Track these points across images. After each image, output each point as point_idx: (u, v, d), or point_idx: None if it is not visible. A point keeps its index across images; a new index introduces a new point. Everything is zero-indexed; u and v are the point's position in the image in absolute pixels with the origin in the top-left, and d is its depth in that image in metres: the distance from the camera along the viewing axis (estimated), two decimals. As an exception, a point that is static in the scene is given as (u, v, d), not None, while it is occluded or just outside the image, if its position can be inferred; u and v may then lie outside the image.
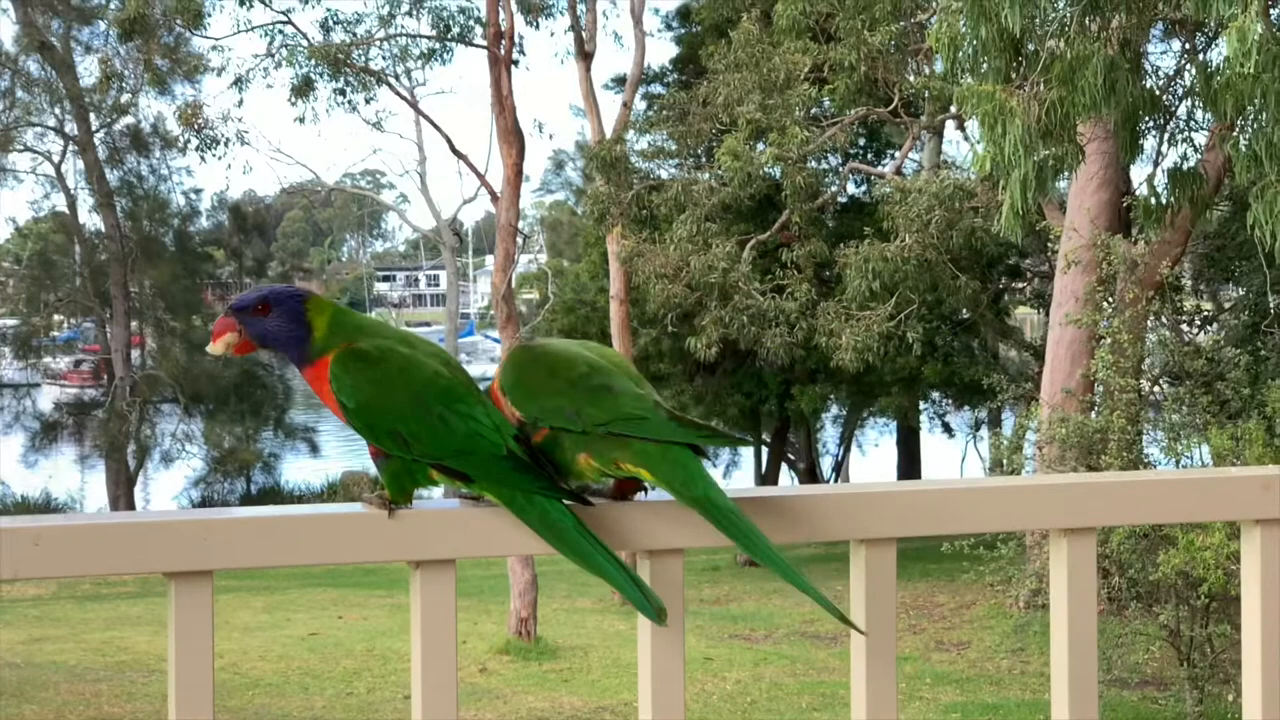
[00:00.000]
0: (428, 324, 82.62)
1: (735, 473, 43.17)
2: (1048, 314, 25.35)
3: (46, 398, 45.15)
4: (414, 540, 2.17)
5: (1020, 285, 33.52)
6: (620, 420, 2.20)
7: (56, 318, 45.30)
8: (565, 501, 2.20)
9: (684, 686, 2.27)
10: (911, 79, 25.00)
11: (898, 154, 29.64)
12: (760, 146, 25.02)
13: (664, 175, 28.50)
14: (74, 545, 2.06)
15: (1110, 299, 19.01)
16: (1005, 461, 19.80)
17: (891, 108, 25.29)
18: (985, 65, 15.04)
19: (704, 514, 2.20)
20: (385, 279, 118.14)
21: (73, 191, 42.96)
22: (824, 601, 2.21)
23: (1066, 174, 16.57)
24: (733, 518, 2.19)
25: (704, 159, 28.49)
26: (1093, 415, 18.69)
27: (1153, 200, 19.29)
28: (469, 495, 2.24)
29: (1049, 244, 24.09)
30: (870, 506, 2.30)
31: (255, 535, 2.14)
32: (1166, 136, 21.01)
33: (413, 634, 2.18)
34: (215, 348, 2.23)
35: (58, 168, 42.74)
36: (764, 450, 37.05)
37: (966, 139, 27.78)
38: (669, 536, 2.24)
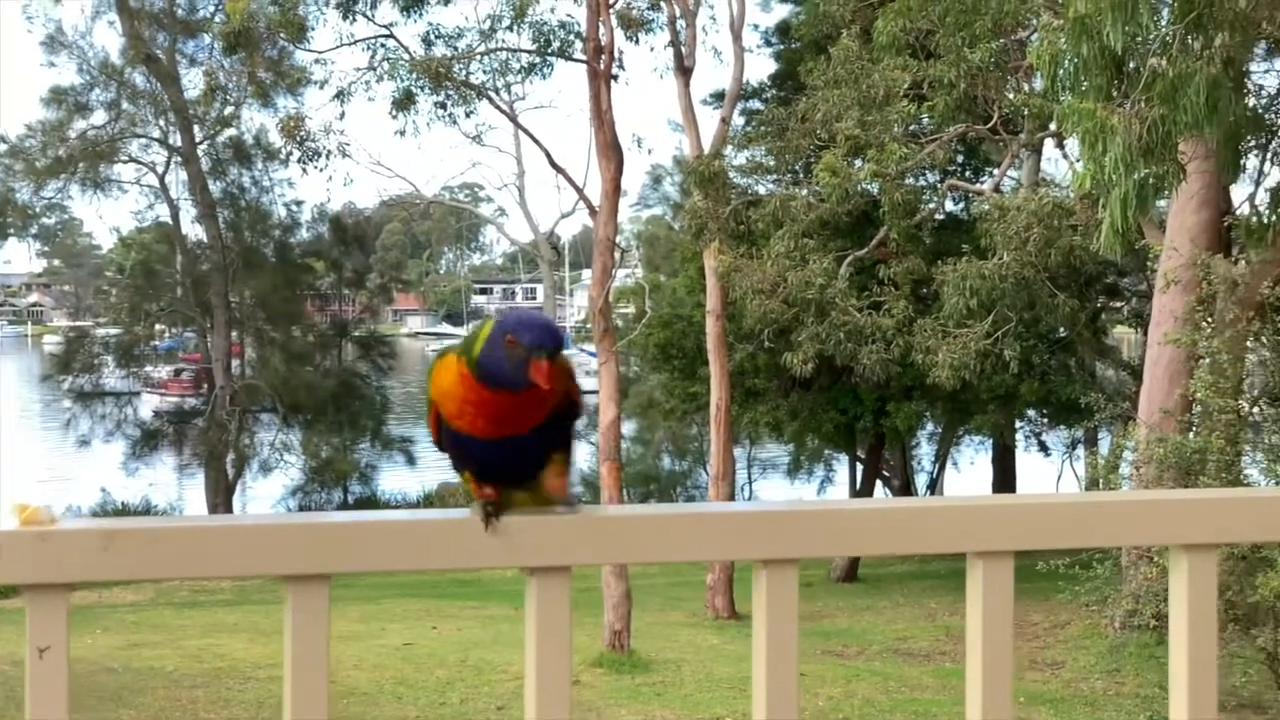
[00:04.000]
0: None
1: (830, 489, 43.10)
2: (1146, 333, 25.15)
3: (147, 406, 45.64)
4: (528, 547, 2.20)
5: (1118, 304, 33.28)
6: None
7: (158, 327, 45.77)
8: None
9: (798, 703, 2.28)
10: (1011, 96, 24.88)
11: (996, 171, 29.47)
12: (858, 163, 24.98)
13: (762, 191, 28.51)
14: (207, 544, 2.11)
15: (1210, 319, 18.83)
16: (1102, 481, 19.66)
17: (990, 125, 25.18)
18: (1086, 83, 14.98)
19: None
20: (483, 291, 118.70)
21: (176, 202, 43.45)
22: None
23: (1167, 193, 16.49)
24: None
25: (802, 175, 28.47)
26: (1191, 436, 18.53)
27: (1254, 220, 19.20)
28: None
29: (1148, 263, 23.90)
30: (986, 519, 2.30)
31: (371, 540, 2.18)
32: (1269, 156, 20.89)
33: (527, 641, 2.21)
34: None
35: (161, 179, 43.29)
36: (859, 467, 36.93)
37: (1066, 157, 27.69)
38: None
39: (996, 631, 2.27)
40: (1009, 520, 2.30)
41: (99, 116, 42.56)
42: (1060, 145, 27.27)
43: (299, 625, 2.14)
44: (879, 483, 36.07)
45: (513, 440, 2.26)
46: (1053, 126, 23.58)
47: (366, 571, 2.22)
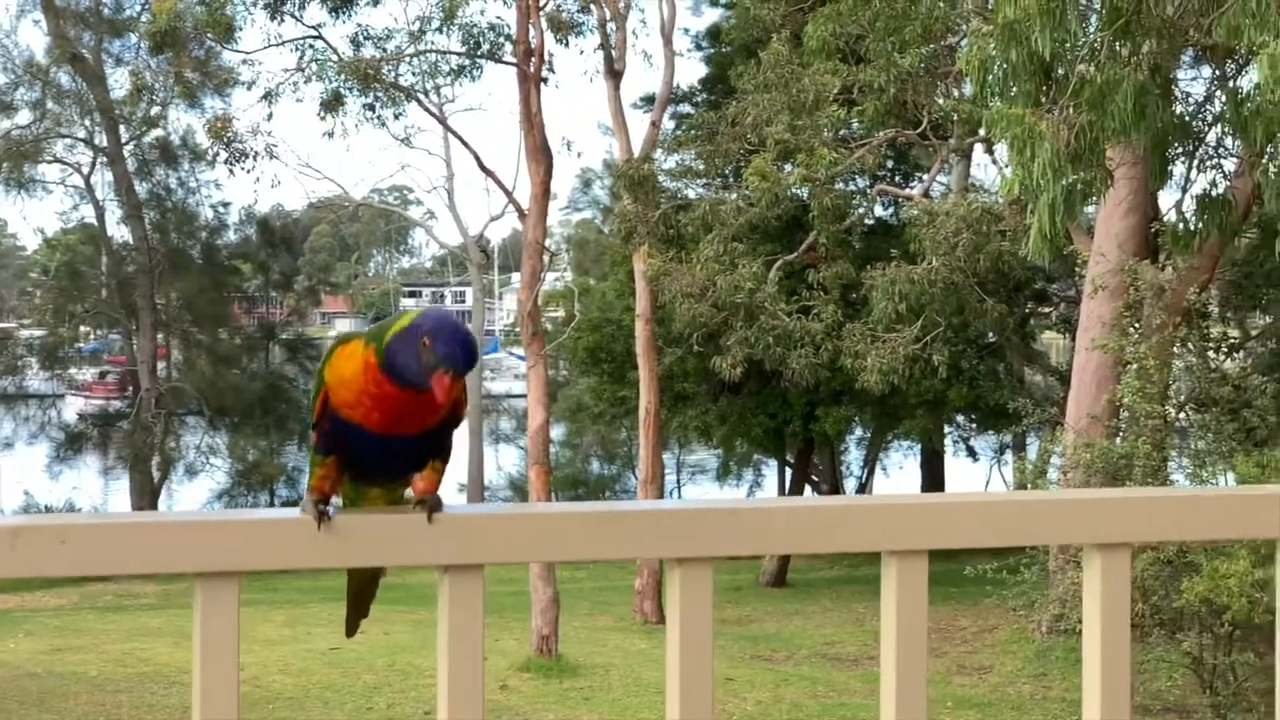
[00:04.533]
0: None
1: (759, 493, 43.14)
2: (1074, 339, 25.30)
3: (71, 409, 45.34)
4: (445, 544, 2.16)
5: (1046, 310, 33.51)
6: None
7: (83, 329, 45.47)
8: None
9: (713, 706, 2.25)
10: (941, 102, 24.99)
11: (926, 176, 29.61)
12: (788, 167, 25.01)
13: (691, 195, 28.54)
14: (103, 544, 2.07)
15: (1137, 325, 18.95)
16: (1030, 485, 19.76)
17: (920, 130, 25.29)
18: (1015, 89, 15.04)
19: None
20: (412, 295, 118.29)
21: (101, 203, 43.23)
22: None
23: (1095, 199, 16.57)
24: None
25: (732, 179, 28.50)
26: (1118, 441, 18.65)
27: (1181, 226, 19.32)
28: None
29: (1076, 269, 24.02)
30: (902, 517, 2.28)
31: (282, 536, 2.14)
32: (1196, 163, 21.06)
33: (439, 640, 2.17)
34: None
35: (87, 179, 42.99)
36: (788, 471, 37.02)
37: (995, 162, 27.81)
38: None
39: (910, 630, 2.24)
40: (924, 519, 2.28)
41: (23, 116, 42.26)
42: (989, 151, 27.40)
43: (208, 624, 2.10)
44: (808, 487, 36.16)
45: (400, 440, 2.21)
46: (982, 132, 23.64)
47: (279, 569, 2.17)
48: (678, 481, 46.24)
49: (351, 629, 2.42)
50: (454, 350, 2.10)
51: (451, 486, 44.03)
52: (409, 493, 2.25)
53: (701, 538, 2.21)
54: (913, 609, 2.24)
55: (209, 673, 2.09)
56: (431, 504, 2.15)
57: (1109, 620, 2.28)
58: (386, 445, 2.20)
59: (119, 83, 41.93)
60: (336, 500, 2.22)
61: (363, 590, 2.41)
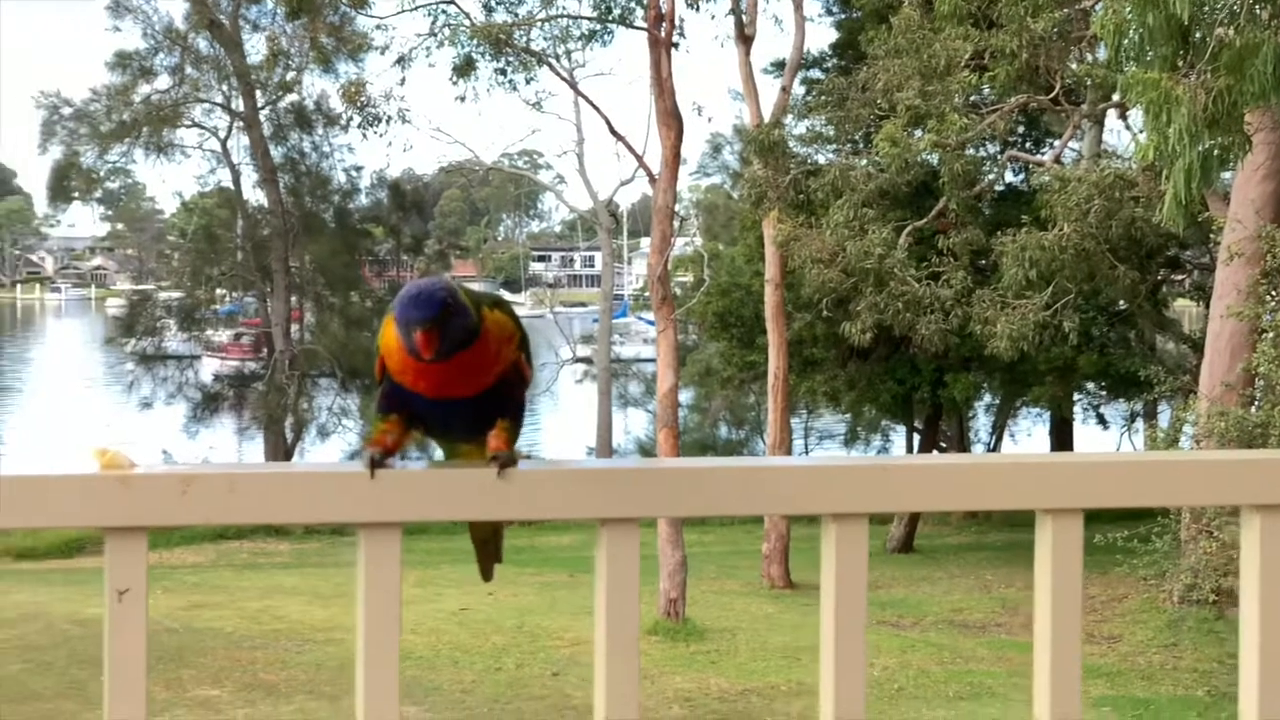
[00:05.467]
0: (583, 304, 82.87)
1: (886, 459, 42.99)
2: (1208, 306, 25.01)
3: (207, 369, 45.89)
4: (602, 498, 2.22)
5: (1180, 277, 33.08)
6: None
7: (219, 291, 45.94)
8: None
9: (865, 664, 2.27)
10: (1074, 66, 24.74)
11: (1057, 142, 29.34)
12: (919, 133, 24.87)
13: (821, 160, 28.44)
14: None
15: (1274, 292, 18.67)
16: (1162, 454, 19.54)
17: (1052, 95, 25.05)
18: (1151, 53, 14.87)
19: None
20: (540, 259, 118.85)
21: (237, 167, 43.71)
22: None
23: (1232, 164, 16.37)
24: None
25: (862, 145, 28.39)
26: (1253, 409, 18.43)
27: (1321, 192, 19.00)
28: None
29: (1211, 235, 23.71)
30: (1058, 476, 2.28)
31: (435, 488, 2.20)
32: (1337, 127, 20.69)
33: (597, 590, 2.22)
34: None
35: (224, 144, 43.55)
36: (916, 437, 36.89)
37: (1129, 128, 27.53)
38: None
39: (1065, 590, 2.25)
40: (1079, 477, 2.28)
41: (163, 81, 42.89)
42: (1123, 116, 27.12)
43: (371, 573, 2.16)
44: (935, 454, 35.98)
45: (455, 402, 2.28)
46: (1116, 97, 23.43)
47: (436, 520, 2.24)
48: (805, 446, 46.17)
49: (486, 574, 2.49)
50: (403, 310, 2.17)
51: (580, 448, 44.23)
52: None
53: (857, 493, 2.24)
54: (1068, 569, 2.24)
55: (372, 621, 2.15)
56: (504, 459, 2.20)
57: (1268, 582, 2.27)
58: (443, 407, 2.28)
59: (255, 48, 42.47)
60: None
61: (486, 539, 2.48)
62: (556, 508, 2.22)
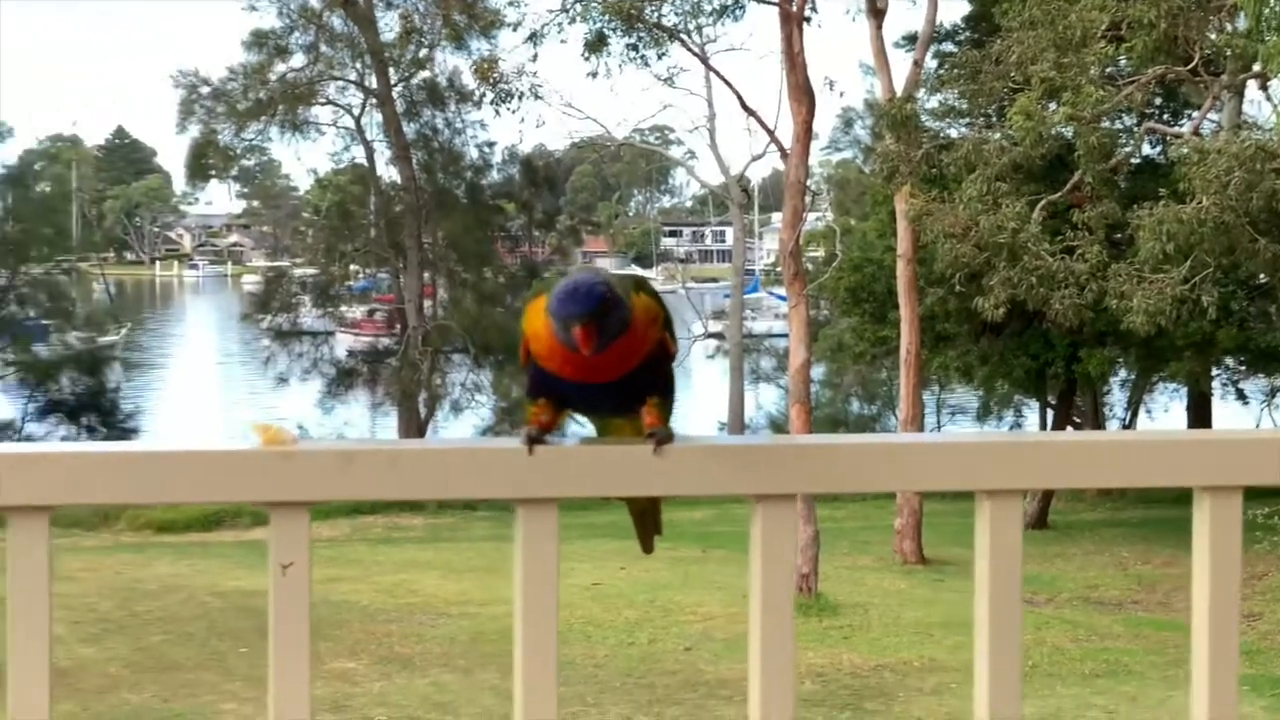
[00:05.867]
0: (714, 280, 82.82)
1: (1019, 436, 42.63)
2: (1351, 280, 24.61)
3: (342, 345, 46.32)
4: (760, 474, 2.23)
5: (1322, 250, 32.54)
6: None
7: (353, 267, 46.33)
8: None
9: (1020, 648, 2.28)
10: (1213, 36, 24.37)
11: (1196, 114, 28.90)
12: (1053, 106, 24.62)
13: (954, 134, 28.25)
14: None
15: None
16: (1303, 430, 19.30)
17: (1191, 66, 24.68)
18: (1294, 23, 14.65)
19: None
20: (672, 234, 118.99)
21: (371, 144, 44.00)
22: None
23: (1377, 136, 16.08)
24: None
25: (995, 118, 28.14)
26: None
27: None
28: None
29: (1355, 208, 23.31)
30: (1217, 453, 2.27)
31: (592, 465, 2.24)
32: None
33: (751, 567, 2.24)
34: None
35: (357, 121, 43.85)
36: (1049, 413, 36.58)
37: (1270, 99, 27.07)
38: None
39: (1224, 571, 2.24)
40: (1238, 454, 2.27)
41: (298, 59, 43.24)
42: (1264, 87, 26.67)
43: (530, 549, 2.19)
44: (1070, 429, 35.66)
45: (601, 386, 2.31)
46: (1256, 67, 23.06)
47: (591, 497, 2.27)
48: (938, 422, 45.89)
49: (646, 546, 2.53)
50: (563, 305, 2.20)
51: (711, 424, 44.26)
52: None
53: (1011, 469, 2.25)
54: (1227, 549, 2.24)
55: (530, 596, 2.19)
56: (660, 436, 2.23)
57: None
58: (589, 390, 2.32)
59: (389, 26, 42.77)
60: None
61: (644, 509, 2.52)
62: (713, 484, 2.25)
